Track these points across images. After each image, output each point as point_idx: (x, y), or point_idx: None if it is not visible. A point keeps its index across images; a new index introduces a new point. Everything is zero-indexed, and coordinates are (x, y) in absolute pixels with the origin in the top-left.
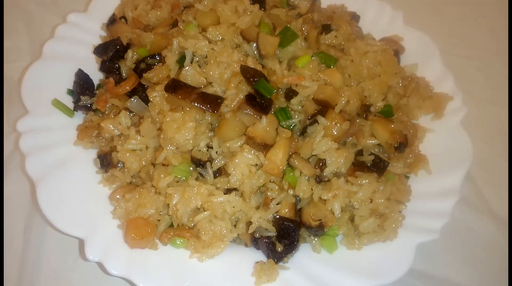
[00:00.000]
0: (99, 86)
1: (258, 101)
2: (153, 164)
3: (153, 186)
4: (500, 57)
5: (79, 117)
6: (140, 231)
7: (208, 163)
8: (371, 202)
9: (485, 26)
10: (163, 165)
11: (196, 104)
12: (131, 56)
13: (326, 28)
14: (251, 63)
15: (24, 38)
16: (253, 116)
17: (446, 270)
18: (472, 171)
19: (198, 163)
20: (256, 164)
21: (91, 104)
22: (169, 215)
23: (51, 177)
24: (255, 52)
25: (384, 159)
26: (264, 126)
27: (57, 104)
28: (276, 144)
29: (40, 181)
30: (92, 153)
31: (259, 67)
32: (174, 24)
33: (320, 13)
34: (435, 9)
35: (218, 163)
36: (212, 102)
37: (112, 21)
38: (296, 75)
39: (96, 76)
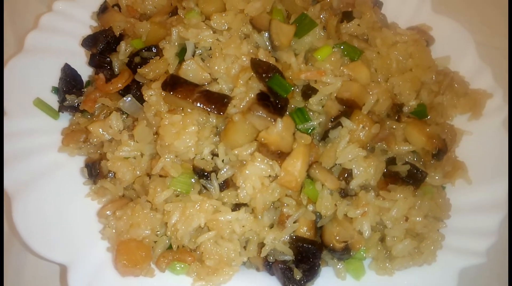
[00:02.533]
0: (88, 83)
1: (272, 101)
2: (149, 175)
3: (149, 201)
4: None
5: (64, 119)
6: (133, 256)
7: (213, 174)
8: (406, 220)
9: None
10: (160, 176)
11: (198, 105)
12: (124, 48)
13: (347, 16)
14: (262, 55)
15: (7, 28)
16: (266, 118)
17: None
18: None
19: (201, 174)
20: (270, 176)
21: (78, 104)
22: (167, 236)
23: (30, 190)
24: (267, 43)
25: (421, 169)
26: (279, 130)
27: (40, 104)
28: (293, 152)
29: (17, 195)
30: (79, 161)
31: (272, 61)
32: (174, 12)
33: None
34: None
35: (224, 174)
36: (218, 102)
37: (104, 9)
38: (315, 70)
39: (85, 71)
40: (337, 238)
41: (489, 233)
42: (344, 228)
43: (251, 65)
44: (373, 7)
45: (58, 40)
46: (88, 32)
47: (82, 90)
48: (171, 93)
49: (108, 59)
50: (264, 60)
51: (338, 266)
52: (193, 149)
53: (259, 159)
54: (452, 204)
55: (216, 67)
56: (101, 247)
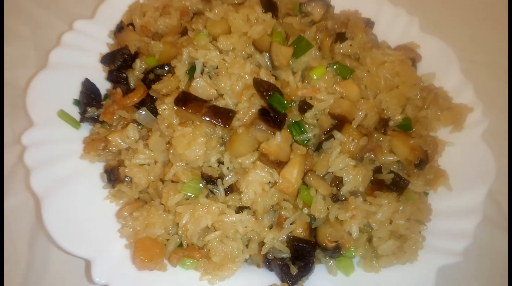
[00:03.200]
0: (106, 96)
1: (272, 116)
2: (162, 180)
3: (162, 204)
4: None
5: (85, 129)
6: (149, 252)
7: (219, 180)
8: (390, 223)
9: (504, 31)
10: (173, 181)
11: (207, 118)
12: (139, 65)
13: (340, 37)
14: (264, 74)
15: (29, 44)
16: (266, 131)
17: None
18: (494, 186)
19: (209, 180)
20: (270, 182)
21: (98, 116)
22: (179, 235)
23: (56, 193)
24: (268, 63)
25: (404, 178)
26: (278, 142)
27: (63, 115)
28: (290, 161)
29: (45, 198)
30: (99, 167)
31: (272, 79)
32: (184, 32)
33: (333, 20)
34: (452, 13)
35: (229, 180)
36: (224, 116)
37: (120, 28)
38: (311, 88)
39: (103, 85)
40: (329, 238)
41: (466, 235)
42: (335, 229)
43: (254, 84)
44: (365, 27)
45: (78, 56)
46: (106, 49)
47: (101, 102)
48: (183, 108)
49: (125, 75)
50: (265, 79)
51: (330, 264)
52: (201, 157)
53: (260, 167)
54: (433, 208)
55: (222, 84)
56: (120, 244)
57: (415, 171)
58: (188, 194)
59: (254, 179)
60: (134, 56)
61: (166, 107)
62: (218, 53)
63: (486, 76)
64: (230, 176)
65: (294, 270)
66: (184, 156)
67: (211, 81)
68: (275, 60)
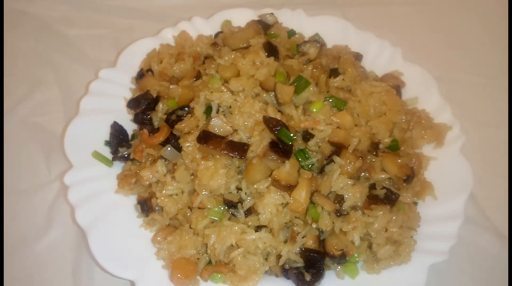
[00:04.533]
0: (133, 136)
1: (281, 147)
2: (190, 207)
3: (191, 228)
4: (490, 80)
5: (117, 167)
6: (184, 270)
7: (239, 204)
8: (386, 231)
9: (474, 51)
10: (199, 208)
11: (225, 152)
12: (161, 108)
13: (334, 72)
14: (271, 111)
15: (54, 90)
16: (277, 161)
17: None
18: (475, 191)
19: (230, 205)
20: (282, 203)
21: (128, 154)
22: (208, 254)
23: (99, 224)
24: (274, 100)
25: (394, 192)
26: (287, 169)
27: (97, 156)
28: (299, 184)
29: (90, 230)
30: (132, 199)
31: (278, 114)
32: (198, 76)
33: (327, 56)
34: (429, 41)
35: (248, 203)
36: (240, 149)
37: (141, 75)
38: (311, 120)
39: (130, 126)
40: (336, 247)
41: (451, 236)
42: (340, 240)
43: (263, 121)
44: (354, 61)
45: (106, 102)
46: (129, 93)
47: (130, 142)
48: (204, 145)
49: (149, 116)
50: (273, 115)
51: (338, 269)
52: (223, 186)
53: (273, 191)
54: (422, 215)
55: (236, 122)
56: (158, 265)
57: (404, 185)
58: (214, 218)
59: (269, 202)
60: (156, 99)
61: (189, 144)
62: (230, 94)
63: (463, 92)
64: (248, 200)
65: (308, 277)
66: (208, 186)
67: (226, 119)
68: (279, 98)
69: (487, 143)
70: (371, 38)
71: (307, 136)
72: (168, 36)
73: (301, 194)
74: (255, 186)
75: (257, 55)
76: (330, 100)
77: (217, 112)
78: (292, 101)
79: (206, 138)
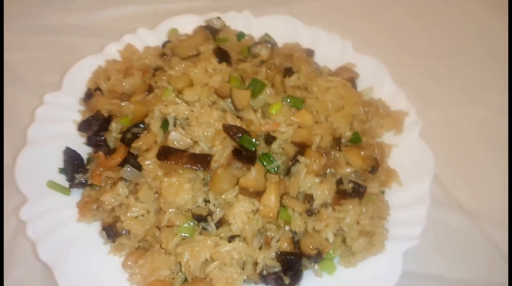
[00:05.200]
0: (89, 160)
1: (244, 154)
2: (158, 227)
3: (162, 248)
4: (440, 61)
5: (76, 194)
6: None
7: (209, 217)
8: (358, 224)
9: (421, 36)
10: (168, 226)
11: (188, 166)
12: (115, 127)
13: (288, 71)
14: (230, 118)
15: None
16: (242, 168)
17: (431, 266)
18: (437, 172)
19: (200, 219)
20: (253, 210)
21: (86, 180)
22: (182, 272)
23: (64, 259)
24: (231, 107)
25: (362, 184)
26: (254, 176)
27: (53, 185)
28: (267, 189)
29: (55, 265)
30: (96, 226)
31: (238, 121)
32: (150, 90)
33: (279, 56)
34: (378, 29)
35: (217, 215)
36: (202, 161)
37: (89, 95)
38: (272, 123)
39: (84, 149)
40: (310, 246)
41: (420, 220)
42: (314, 239)
43: (223, 129)
44: (307, 58)
45: (54, 128)
46: (79, 115)
47: (87, 167)
48: (166, 161)
49: (103, 138)
50: (232, 122)
51: (315, 268)
52: (190, 201)
53: (242, 200)
54: (390, 203)
55: (195, 133)
56: None
57: (370, 176)
58: (184, 234)
59: (239, 211)
60: (108, 119)
61: (149, 162)
62: (186, 105)
63: (417, 76)
64: (217, 212)
65: (287, 280)
66: (174, 203)
67: (185, 132)
68: (237, 103)
69: (444, 123)
70: (320, 33)
71: (269, 139)
72: (113, 51)
73: (271, 199)
74: (223, 196)
75: (209, 62)
76: (288, 100)
77: (174, 125)
78: (250, 106)
79: (166, 153)
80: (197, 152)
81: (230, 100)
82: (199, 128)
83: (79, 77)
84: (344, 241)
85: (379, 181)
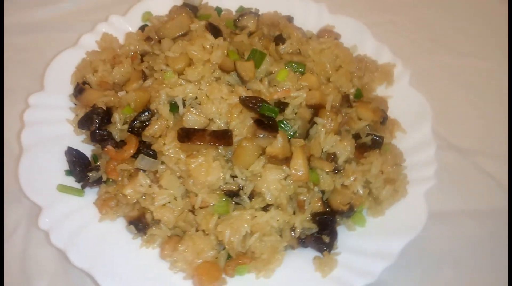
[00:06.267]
0: (95, 157)
1: (267, 123)
2: (191, 210)
3: (198, 230)
4: (403, 15)
5: (88, 193)
6: (211, 274)
7: (241, 191)
8: (382, 173)
9: None
10: (201, 208)
11: (211, 144)
12: (118, 119)
13: (279, 39)
14: (241, 91)
15: None
16: (268, 137)
17: (439, 204)
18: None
19: (232, 194)
20: (284, 177)
21: (99, 177)
22: (225, 249)
23: (101, 262)
24: (237, 80)
25: (379, 135)
26: (281, 142)
27: (64, 188)
28: (294, 154)
29: (93, 268)
30: (119, 222)
31: (249, 93)
32: (144, 76)
33: (266, 25)
34: None
35: (249, 188)
36: (224, 137)
37: (80, 90)
38: (282, 90)
39: (84, 147)
40: (341, 203)
41: (431, 162)
42: (343, 195)
43: (241, 102)
44: (292, 24)
45: (47, 130)
46: (70, 114)
47: (97, 164)
48: (189, 142)
49: (106, 131)
50: (244, 94)
51: (347, 223)
52: (221, 179)
53: (272, 168)
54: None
55: (208, 111)
56: (179, 278)
57: (380, 127)
58: (221, 213)
59: (270, 180)
60: (108, 111)
61: (168, 147)
62: (193, 85)
63: (394, 32)
64: (247, 185)
65: (326, 239)
66: (206, 183)
67: (199, 111)
68: (244, 76)
69: (418, 73)
70: (293, 0)
71: (281, 106)
72: (89, 42)
73: (300, 163)
74: (250, 169)
75: (205, 38)
76: (288, 67)
77: (184, 106)
78: (256, 76)
79: (187, 135)
80: (215, 129)
81: (234, 73)
82: (212, 105)
83: (60, 73)
84: (369, 192)
85: (389, 130)
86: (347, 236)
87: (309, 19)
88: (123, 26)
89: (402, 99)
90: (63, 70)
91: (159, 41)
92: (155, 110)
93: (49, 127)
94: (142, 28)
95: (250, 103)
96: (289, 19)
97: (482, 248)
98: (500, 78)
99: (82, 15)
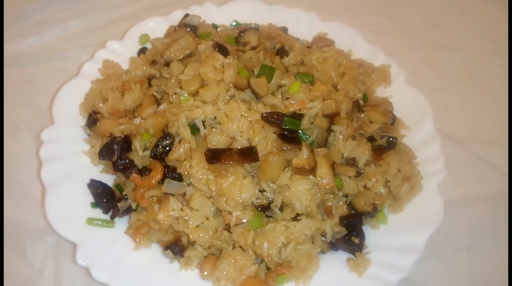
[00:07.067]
0: (119, 186)
1: (291, 136)
2: (225, 229)
3: (234, 247)
4: (382, 15)
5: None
6: None
7: (272, 204)
8: (400, 172)
9: None
10: (236, 225)
11: (239, 162)
12: (139, 146)
13: (282, 51)
14: (260, 107)
15: None
16: (293, 149)
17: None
18: None
19: (264, 208)
20: (312, 187)
21: (129, 206)
22: (263, 262)
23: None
24: (252, 96)
25: (392, 136)
26: (306, 153)
27: (93, 221)
28: (319, 163)
29: None
30: (155, 248)
31: (267, 108)
32: (157, 102)
33: (264, 38)
34: None
35: (278, 200)
36: (250, 154)
37: (94, 121)
38: (297, 102)
39: (105, 179)
40: (365, 204)
41: (439, 155)
42: (366, 196)
43: (263, 119)
44: (290, 36)
45: (65, 164)
46: (85, 145)
47: (124, 194)
48: (218, 163)
49: (127, 160)
50: (263, 110)
51: (371, 222)
52: (254, 194)
53: (299, 179)
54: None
55: (229, 130)
56: None
57: (390, 127)
58: (256, 228)
59: (299, 190)
60: (126, 139)
61: (197, 169)
62: (211, 106)
63: (378, 32)
64: (277, 198)
65: (356, 240)
66: (240, 200)
67: (220, 131)
68: (259, 92)
69: (415, 66)
70: (284, 11)
71: (296, 118)
72: (90, 70)
73: (326, 171)
74: (278, 182)
75: (215, 59)
76: (298, 78)
77: (204, 127)
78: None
79: (216, 156)
80: (238, 146)
81: (248, 90)
82: (232, 123)
83: (68, 105)
84: (389, 191)
85: (397, 130)
86: (373, 235)
87: (301, 28)
88: (121, 51)
89: (401, 98)
90: (70, 102)
91: (165, 64)
92: (175, 134)
93: (66, 161)
94: (143, 51)
95: (272, 118)
96: (284, 30)
97: (490, 231)
98: (484, 67)
99: (69, 43)
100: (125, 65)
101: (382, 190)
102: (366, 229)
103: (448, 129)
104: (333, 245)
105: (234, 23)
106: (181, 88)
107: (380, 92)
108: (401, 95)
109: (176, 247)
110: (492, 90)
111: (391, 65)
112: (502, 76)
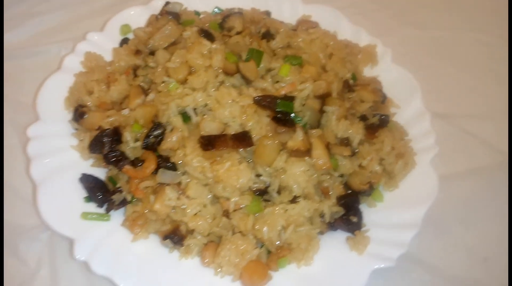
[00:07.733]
0: (111, 179)
1: (285, 119)
2: (224, 215)
3: (234, 232)
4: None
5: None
6: (259, 272)
7: (269, 188)
8: (393, 149)
9: None
10: (235, 210)
11: (234, 148)
12: (130, 137)
13: (268, 35)
14: (251, 91)
15: None
16: (288, 132)
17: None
18: None
19: (262, 193)
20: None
21: (124, 198)
22: (263, 246)
23: (148, 280)
24: (242, 81)
25: (384, 114)
26: (301, 136)
27: (88, 216)
28: (313, 145)
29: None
30: (152, 239)
31: (258, 92)
32: (145, 92)
33: (249, 23)
34: None
35: (275, 184)
36: (245, 139)
37: (81, 114)
38: (288, 84)
39: (94, 172)
40: (361, 183)
41: (430, 131)
42: (362, 175)
43: (256, 103)
44: (273, 19)
45: (55, 160)
46: (73, 140)
47: (118, 187)
48: (213, 149)
49: (119, 152)
50: (254, 94)
51: (367, 200)
52: (251, 179)
53: (295, 162)
54: None
55: (221, 116)
56: (227, 281)
57: (381, 106)
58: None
59: (296, 173)
60: (115, 131)
61: (192, 156)
62: (201, 92)
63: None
64: (274, 181)
65: (354, 219)
66: (237, 185)
67: (212, 117)
68: (248, 76)
69: (399, 45)
70: None
71: (288, 100)
72: (72, 63)
73: (321, 152)
74: (273, 166)
75: (202, 45)
76: (287, 61)
77: (196, 115)
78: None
79: (211, 142)
80: (231, 132)
81: (237, 75)
82: (224, 110)
83: (51, 100)
84: (384, 169)
85: (388, 108)
86: (369, 213)
87: (284, 11)
88: (102, 42)
89: (389, 76)
90: (54, 97)
91: (150, 53)
92: (166, 123)
93: (55, 157)
94: (125, 41)
95: (265, 102)
96: (268, 14)
97: (483, 203)
98: (466, 44)
99: (47, 38)
100: (107, 57)
101: (377, 168)
102: (363, 207)
103: (435, 106)
104: (332, 225)
105: (216, 9)
106: (168, 76)
107: (368, 72)
108: (389, 74)
109: (175, 237)
110: (475, 66)
111: (376, 45)
112: (484, 52)
